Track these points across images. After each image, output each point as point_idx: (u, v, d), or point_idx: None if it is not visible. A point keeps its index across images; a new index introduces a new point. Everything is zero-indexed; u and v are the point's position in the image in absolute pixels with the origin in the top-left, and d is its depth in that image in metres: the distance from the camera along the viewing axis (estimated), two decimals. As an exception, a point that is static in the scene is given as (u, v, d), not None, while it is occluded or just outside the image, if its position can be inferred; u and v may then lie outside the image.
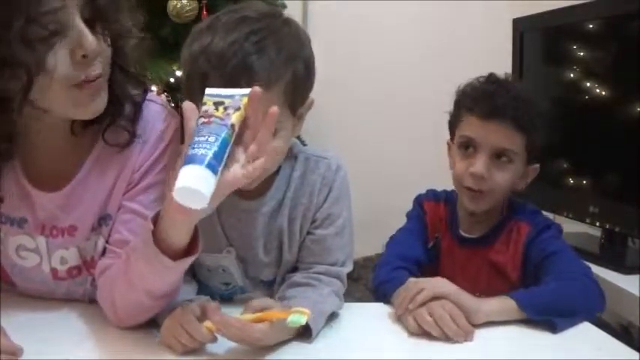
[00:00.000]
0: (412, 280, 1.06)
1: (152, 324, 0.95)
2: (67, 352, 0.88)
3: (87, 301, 1.03)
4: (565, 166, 1.81)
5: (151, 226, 0.84)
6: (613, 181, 1.64)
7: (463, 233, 1.29)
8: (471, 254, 1.27)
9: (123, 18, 0.89)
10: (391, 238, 1.32)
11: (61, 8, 0.78)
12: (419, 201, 1.35)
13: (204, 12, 1.98)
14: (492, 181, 1.20)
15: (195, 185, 0.74)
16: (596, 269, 1.49)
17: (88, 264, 1.00)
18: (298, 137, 2.02)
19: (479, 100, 1.22)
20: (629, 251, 1.62)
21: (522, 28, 1.99)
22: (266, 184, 1.05)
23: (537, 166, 1.27)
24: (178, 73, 1.99)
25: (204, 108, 0.81)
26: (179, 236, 0.84)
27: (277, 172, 1.05)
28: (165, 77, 1.99)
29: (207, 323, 0.86)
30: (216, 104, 0.81)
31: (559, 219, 2.08)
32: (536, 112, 1.21)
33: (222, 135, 0.77)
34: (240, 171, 0.80)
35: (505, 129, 1.19)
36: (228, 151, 0.78)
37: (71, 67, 0.82)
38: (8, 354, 0.80)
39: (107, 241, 0.98)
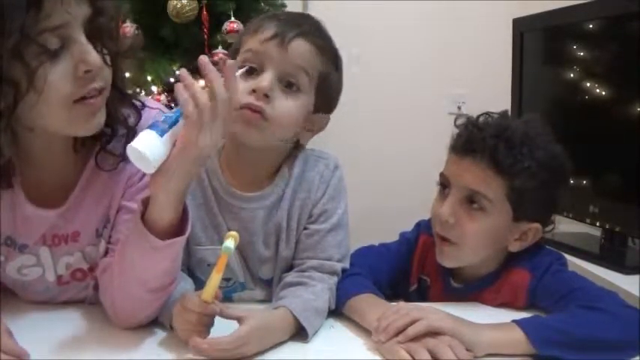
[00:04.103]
0: (403, 305, 0.96)
1: (153, 324, 0.95)
2: (68, 352, 0.88)
3: (87, 304, 1.03)
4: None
5: (141, 207, 0.86)
6: (613, 181, 1.64)
7: (455, 284, 1.15)
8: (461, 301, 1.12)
9: (121, 38, 0.89)
10: (360, 250, 1.19)
11: (65, 24, 0.78)
12: (418, 230, 1.21)
13: (204, 12, 1.98)
14: (460, 230, 1.05)
15: (139, 146, 0.80)
16: (596, 269, 1.49)
17: (91, 268, 1.01)
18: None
19: (459, 136, 1.10)
20: (629, 251, 1.62)
21: (522, 28, 1.98)
22: (266, 180, 1.08)
23: (537, 226, 1.07)
24: (178, 73, 1.99)
25: None
26: (162, 212, 0.85)
27: (277, 169, 1.08)
28: (165, 77, 1.99)
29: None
30: None
31: (559, 219, 2.08)
32: (533, 157, 1.02)
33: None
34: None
35: (479, 169, 1.04)
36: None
37: (73, 83, 0.81)
38: (14, 356, 0.80)
39: (108, 241, 0.98)
